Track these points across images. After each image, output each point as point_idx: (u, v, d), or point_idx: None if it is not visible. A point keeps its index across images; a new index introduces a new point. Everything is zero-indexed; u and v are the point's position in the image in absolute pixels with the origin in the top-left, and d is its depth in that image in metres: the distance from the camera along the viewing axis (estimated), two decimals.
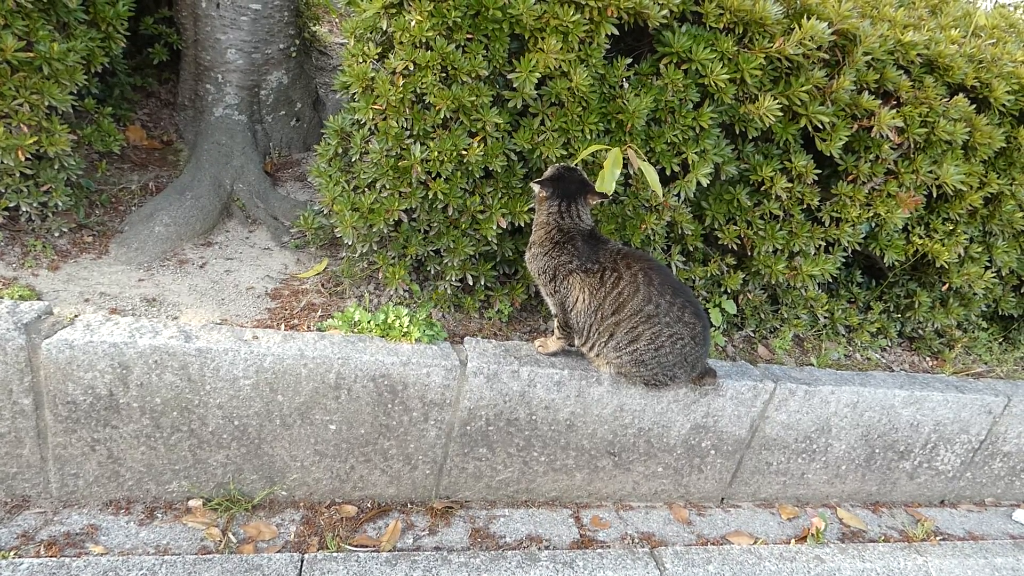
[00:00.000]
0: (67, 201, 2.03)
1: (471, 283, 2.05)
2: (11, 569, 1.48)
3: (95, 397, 1.62)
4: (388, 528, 1.86)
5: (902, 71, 2.10)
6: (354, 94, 1.87)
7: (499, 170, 1.88)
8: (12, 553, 1.55)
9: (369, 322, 1.85)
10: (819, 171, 2.14)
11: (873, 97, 2.07)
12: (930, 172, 2.22)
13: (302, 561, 1.66)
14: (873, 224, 2.27)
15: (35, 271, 1.91)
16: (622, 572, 1.85)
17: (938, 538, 2.33)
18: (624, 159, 1.87)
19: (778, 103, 1.95)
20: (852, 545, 2.17)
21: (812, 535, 2.17)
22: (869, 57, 2.02)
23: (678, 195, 2.03)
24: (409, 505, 1.95)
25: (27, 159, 1.89)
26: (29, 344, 1.56)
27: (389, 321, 1.85)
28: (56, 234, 2.05)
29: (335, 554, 1.72)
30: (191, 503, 1.79)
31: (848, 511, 2.37)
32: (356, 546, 1.78)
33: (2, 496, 1.68)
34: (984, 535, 2.41)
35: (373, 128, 1.87)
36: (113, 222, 2.19)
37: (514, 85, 1.80)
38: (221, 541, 1.70)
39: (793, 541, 2.16)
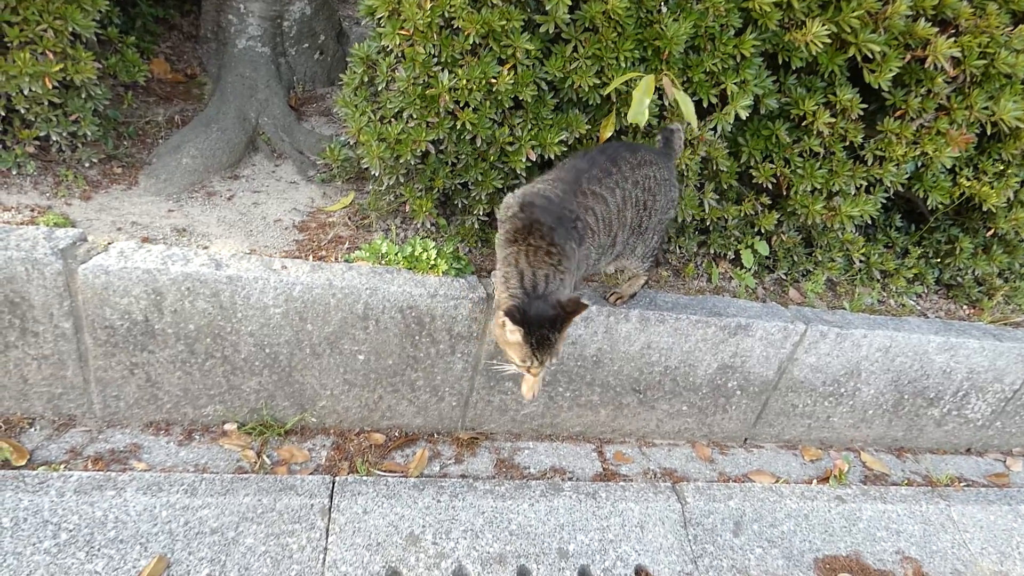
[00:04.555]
0: (95, 131, 2.03)
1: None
2: (63, 480, 1.56)
3: (132, 322, 1.66)
4: (416, 456, 1.91)
5: None
6: (380, 19, 1.80)
7: (529, 100, 1.82)
8: (63, 466, 1.63)
9: (396, 254, 1.85)
10: (864, 106, 2.03)
11: (930, 25, 1.94)
12: (985, 108, 2.09)
13: (333, 483, 1.72)
14: (919, 163, 2.17)
15: (68, 200, 1.93)
16: (644, 504, 1.88)
17: (963, 484, 2.32)
18: (659, 89, 1.80)
19: (826, 29, 1.84)
20: (874, 488, 2.18)
21: (834, 476, 2.17)
22: None
23: (714, 129, 1.95)
24: (435, 435, 2.00)
25: (54, 87, 1.88)
26: (66, 269, 1.58)
27: (416, 254, 1.85)
28: (86, 164, 2.06)
29: (365, 478, 1.77)
30: (226, 427, 1.85)
31: (872, 455, 2.37)
32: (385, 471, 1.83)
33: (50, 415, 1.76)
34: (1011, 484, 2.40)
35: (400, 55, 1.81)
36: (141, 154, 2.19)
37: (546, 8, 1.72)
38: (256, 463, 1.77)
39: (815, 482, 2.17)
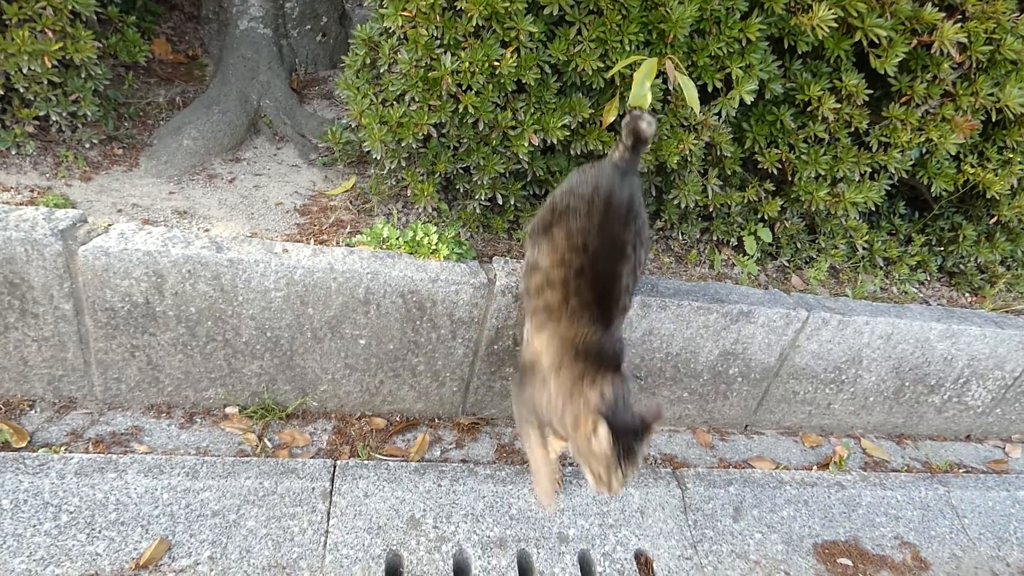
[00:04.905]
0: (96, 112, 2.01)
1: (500, 203, 2.01)
2: (63, 462, 1.56)
3: (132, 304, 1.65)
4: (416, 440, 1.91)
5: None
6: (382, 0, 1.78)
7: (532, 83, 1.81)
8: (63, 448, 1.63)
9: (398, 239, 1.84)
10: (870, 92, 2.02)
11: (937, 10, 1.92)
12: (990, 95, 2.08)
13: (335, 467, 1.72)
14: (923, 150, 2.16)
15: (68, 181, 1.92)
16: (644, 490, 1.89)
17: (962, 470, 2.33)
18: (662, 72, 1.78)
19: (833, 14, 1.82)
20: (874, 474, 2.19)
21: (835, 463, 2.18)
22: None
23: (719, 114, 1.93)
24: (436, 420, 2.00)
25: (54, 66, 1.86)
26: (66, 250, 1.58)
27: (418, 238, 1.84)
28: (87, 145, 2.05)
29: (366, 462, 1.78)
30: (228, 410, 1.85)
31: (872, 442, 2.37)
32: (386, 456, 1.84)
33: (50, 397, 1.76)
34: (1009, 470, 2.41)
35: (402, 37, 1.79)
36: (142, 135, 2.17)
37: None
38: (257, 446, 1.77)
39: (815, 468, 2.18)
